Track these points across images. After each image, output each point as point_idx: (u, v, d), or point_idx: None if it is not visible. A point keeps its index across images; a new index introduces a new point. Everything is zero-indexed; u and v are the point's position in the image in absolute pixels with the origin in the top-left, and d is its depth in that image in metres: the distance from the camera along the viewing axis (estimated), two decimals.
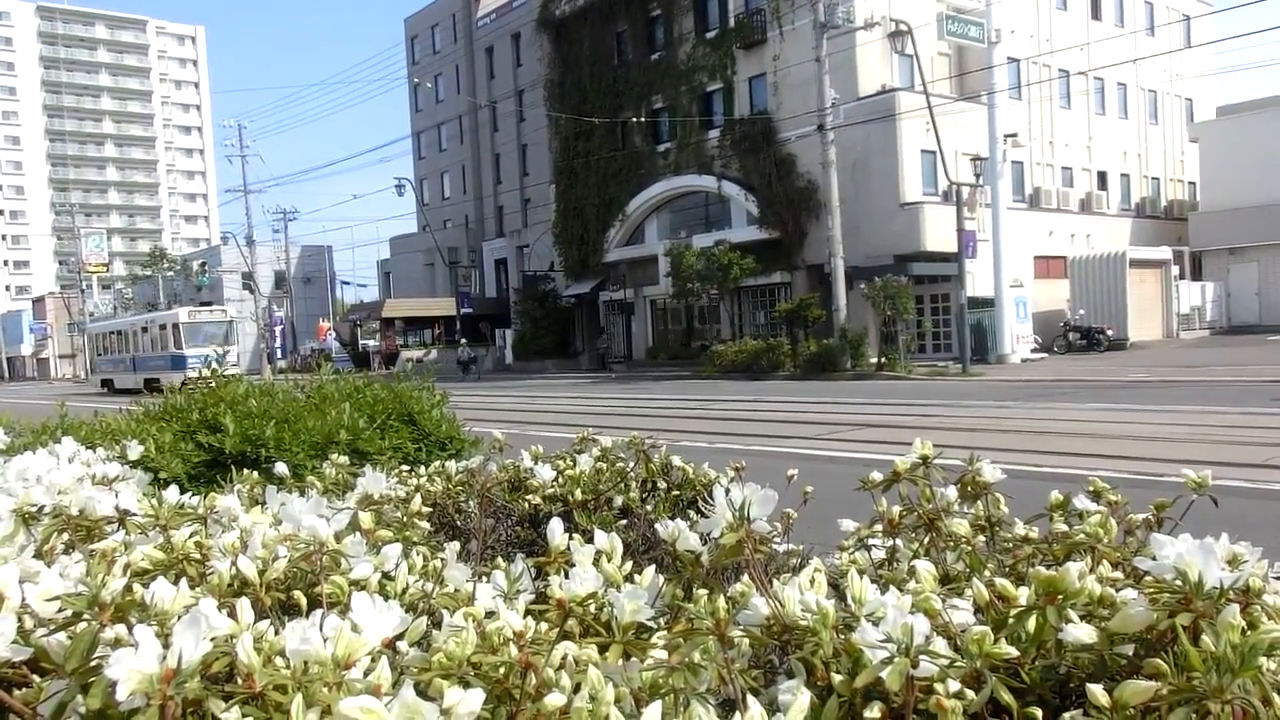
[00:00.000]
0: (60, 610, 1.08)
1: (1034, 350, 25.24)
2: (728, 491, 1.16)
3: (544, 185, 41.06)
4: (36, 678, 1.00)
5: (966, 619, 1.08)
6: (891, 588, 1.14)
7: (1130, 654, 1.01)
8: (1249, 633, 0.91)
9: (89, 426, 3.84)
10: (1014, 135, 24.48)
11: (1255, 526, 4.22)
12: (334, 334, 52.59)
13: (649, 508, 2.26)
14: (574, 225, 37.65)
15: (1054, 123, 33.15)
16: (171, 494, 1.57)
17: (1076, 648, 1.01)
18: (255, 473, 2.19)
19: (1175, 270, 31.29)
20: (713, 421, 13.56)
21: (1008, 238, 23.85)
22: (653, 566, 1.20)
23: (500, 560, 1.50)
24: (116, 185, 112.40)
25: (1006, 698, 0.93)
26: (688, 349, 32.58)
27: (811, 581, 1.16)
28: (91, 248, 61.95)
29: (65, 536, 1.48)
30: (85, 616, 1.05)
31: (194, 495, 1.70)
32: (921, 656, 0.91)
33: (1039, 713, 0.95)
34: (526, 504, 2.31)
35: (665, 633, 1.08)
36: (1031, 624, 1.02)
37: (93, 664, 0.93)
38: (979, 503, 1.59)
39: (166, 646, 0.86)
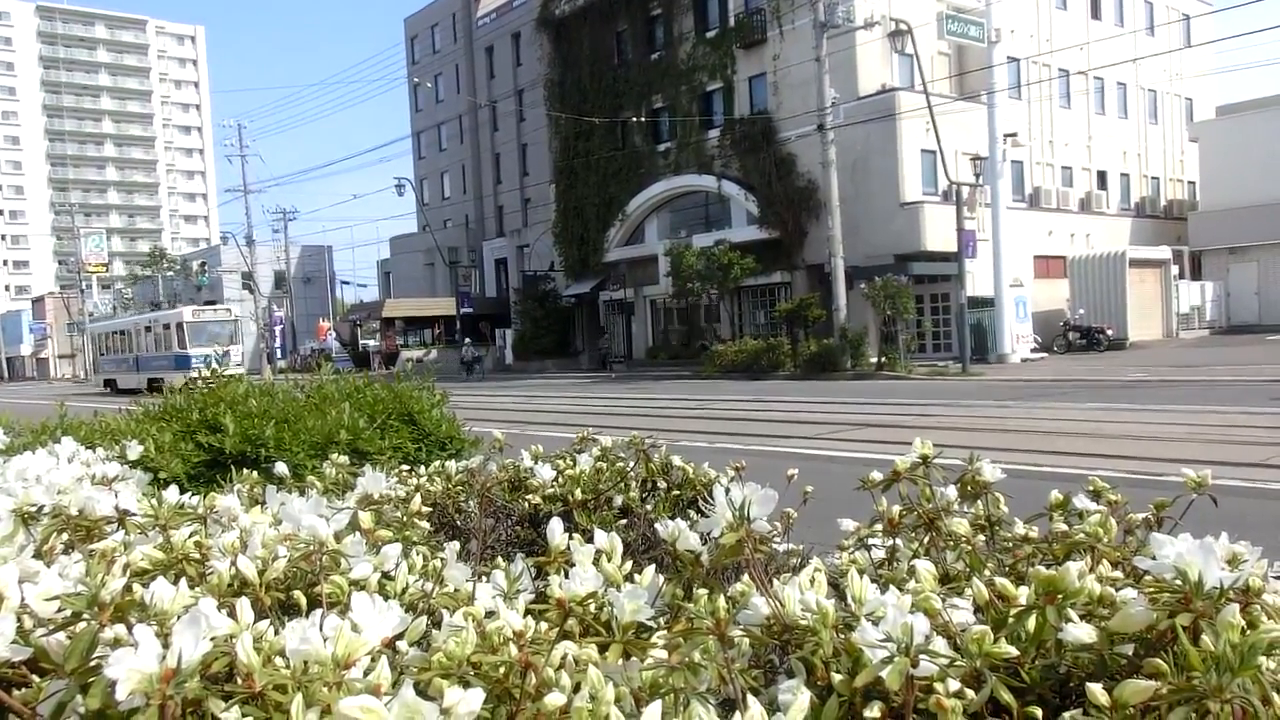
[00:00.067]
0: (60, 610, 1.08)
1: (1034, 350, 25.25)
2: (728, 491, 1.16)
3: (544, 185, 41.06)
4: (36, 677, 1.00)
5: (966, 618, 1.08)
6: (891, 587, 1.14)
7: (1130, 653, 1.01)
8: (1249, 632, 0.91)
9: (88, 426, 3.84)
10: (1014, 135, 24.48)
11: (1255, 526, 4.22)
12: (334, 334, 52.59)
13: (649, 507, 2.26)
14: (574, 225, 37.64)
15: (1054, 122, 33.15)
16: (171, 494, 1.57)
17: (1076, 647, 1.01)
18: (255, 473, 2.19)
19: (1175, 270, 31.29)
20: (713, 421, 13.56)
21: (1007, 237, 23.85)
22: (653, 566, 1.20)
23: (500, 560, 1.50)
24: (116, 185, 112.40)
25: (1006, 697, 0.93)
26: (688, 349, 32.58)
27: (811, 581, 1.16)
28: (91, 248, 61.93)
29: (65, 536, 1.48)
30: (85, 616, 1.05)
31: (194, 495, 1.70)
32: (921, 656, 0.91)
33: (1039, 712, 0.95)
34: (526, 504, 2.31)
35: (665, 632, 1.08)
36: (1031, 623, 1.02)
37: (92, 664, 0.93)
38: (979, 502, 1.59)
39: (166, 646, 0.86)
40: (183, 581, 1.14)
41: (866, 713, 0.92)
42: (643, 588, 1.09)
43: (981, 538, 1.49)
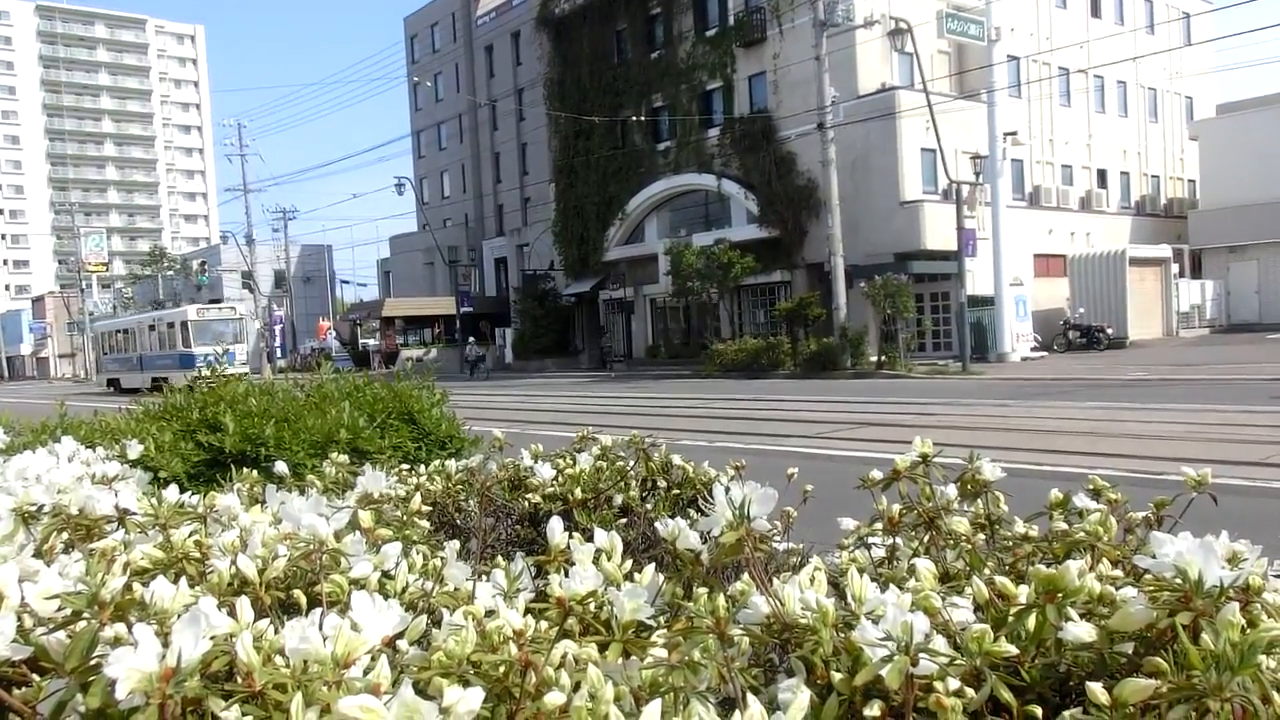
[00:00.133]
0: (60, 609, 1.08)
1: (1034, 349, 25.25)
2: (727, 490, 1.16)
3: (544, 184, 41.05)
4: (36, 676, 1.00)
5: (966, 617, 1.08)
6: (891, 586, 1.14)
7: (1130, 652, 1.01)
8: (1249, 631, 0.91)
9: (88, 426, 3.84)
10: (1014, 133, 24.48)
11: (1255, 524, 4.21)
12: (334, 333, 52.58)
13: (649, 506, 2.26)
14: (574, 224, 37.64)
15: (1054, 121, 33.14)
16: (171, 493, 1.57)
17: (1076, 646, 1.01)
18: (255, 472, 2.19)
19: (1175, 268, 31.28)
20: (713, 420, 13.56)
21: (1007, 236, 23.85)
22: (652, 565, 1.20)
23: (500, 559, 1.50)
24: (116, 184, 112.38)
25: (1006, 696, 0.93)
26: (688, 348, 32.58)
27: (811, 580, 1.16)
28: (91, 247, 61.89)
29: (65, 535, 1.48)
30: (85, 615, 1.05)
31: (194, 494, 1.70)
32: (921, 654, 0.91)
33: (1039, 711, 0.95)
34: (526, 502, 2.31)
35: (665, 631, 1.08)
36: (1031, 622, 1.02)
37: (92, 663, 0.93)
38: (979, 501, 1.59)
39: (166, 645, 0.86)
40: (183, 580, 1.14)
41: (866, 711, 0.92)
42: (642, 586, 1.09)
43: (981, 536, 1.49)
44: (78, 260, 62.01)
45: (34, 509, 1.54)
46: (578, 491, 2.22)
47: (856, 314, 24.19)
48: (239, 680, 0.90)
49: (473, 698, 0.84)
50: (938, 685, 0.92)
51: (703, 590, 1.16)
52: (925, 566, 1.20)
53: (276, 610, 1.19)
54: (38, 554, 1.36)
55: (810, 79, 24.62)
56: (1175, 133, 38.24)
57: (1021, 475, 6.19)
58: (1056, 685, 1.02)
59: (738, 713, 0.87)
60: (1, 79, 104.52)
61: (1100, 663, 1.00)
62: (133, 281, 77.45)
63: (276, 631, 0.97)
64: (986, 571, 1.28)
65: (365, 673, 0.89)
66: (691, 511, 2.14)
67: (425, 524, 1.75)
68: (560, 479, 2.33)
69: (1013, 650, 0.97)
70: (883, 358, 22.92)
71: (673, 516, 1.37)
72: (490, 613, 1.06)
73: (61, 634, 1.01)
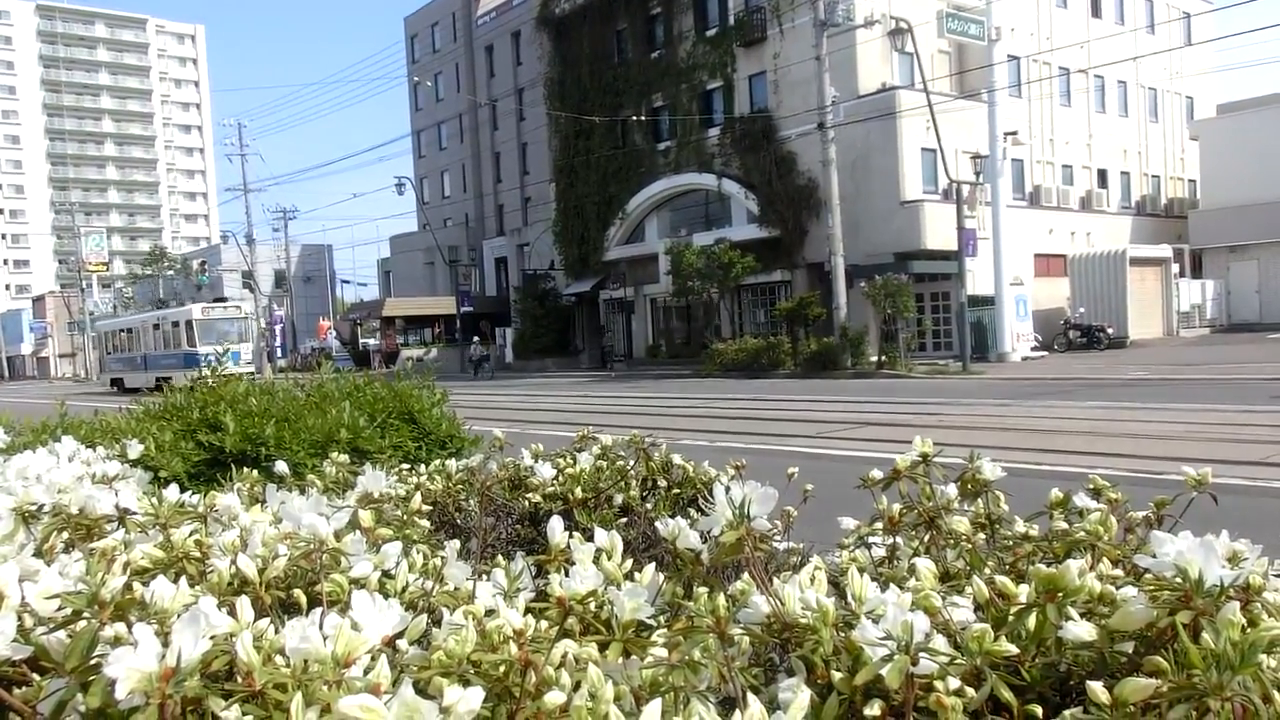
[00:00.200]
0: (60, 608, 1.08)
1: (1034, 348, 25.24)
2: (728, 489, 1.16)
3: (544, 184, 41.05)
4: (36, 676, 1.00)
5: (967, 616, 1.08)
6: (892, 585, 1.14)
7: (1130, 651, 1.01)
8: (1249, 630, 0.91)
9: (89, 425, 3.84)
10: (1014, 133, 24.47)
11: (1255, 524, 4.21)
12: (334, 333, 52.59)
13: (649, 506, 2.26)
14: (574, 224, 37.64)
15: (1054, 120, 33.14)
16: (171, 492, 1.57)
17: (1076, 645, 1.01)
18: (255, 471, 2.19)
19: (1175, 268, 31.28)
20: (713, 420, 13.56)
21: (1008, 236, 23.84)
22: (653, 564, 1.20)
23: (500, 558, 1.50)
24: (116, 184, 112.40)
25: (1006, 695, 0.93)
26: (688, 347, 32.58)
27: (812, 579, 1.16)
28: (91, 247, 61.90)
29: (65, 535, 1.48)
30: (85, 615, 1.05)
31: (194, 494, 1.70)
32: (921, 654, 0.91)
33: (1039, 710, 0.95)
34: (527, 502, 2.31)
35: (665, 631, 1.08)
36: (1032, 621, 1.02)
37: (92, 662, 0.93)
38: (979, 500, 1.59)
39: (166, 645, 0.86)
40: (183, 580, 1.14)
41: (867, 711, 0.92)
42: (643, 586, 1.09)
43: (982, 536, 1.49)
44: (78, 260, 62.01)
45: (34, 508, 1.54)
46: (578, 491, 2.22)
47: (857, 314, 24.19)
48: (239, 680, 0.90)
49: (473, 697, 0.84)
50: (938, 684, 0.92)
51: (703, 590, 1.16)
52: (925, 566, 1.20)
53: (277, 610, 1.19)
54: (38, 553, 1.36)
55: (810, 79, 24.61)
56: (1176, 132, 38.24)
57: (1022, 475, 6.19)
58: (1057, 684, 1.02)
59: (738, 712, 0.87)
60: (2, 79, 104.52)
61: (1101, 662, 1.00)
62: (133, 281, 77.44)
63: (277, 631, 0.97)
64: (987, 571, 1.28)
65: (365, 672, 0.89)
66: (692, 511, 2.14)
67: (425, 523, 1.75)
68: (560, 478, 2.33)
69: (1013, 650, 0.97)
70: (883, 357, 22.92)
71: (673, 516, 1.37)
72: (490, 612, 1.06)
73: (62, 634, 1.01)
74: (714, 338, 29.11)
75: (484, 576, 1.31)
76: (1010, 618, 1.04)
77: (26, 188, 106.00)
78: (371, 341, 45.71)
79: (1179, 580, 0.99)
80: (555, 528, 1.26)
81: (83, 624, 1.02)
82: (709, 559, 1.24)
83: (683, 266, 28.34)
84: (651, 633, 1.07)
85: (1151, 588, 1.03)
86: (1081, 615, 1.04)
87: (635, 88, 35.12)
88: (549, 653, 0.96)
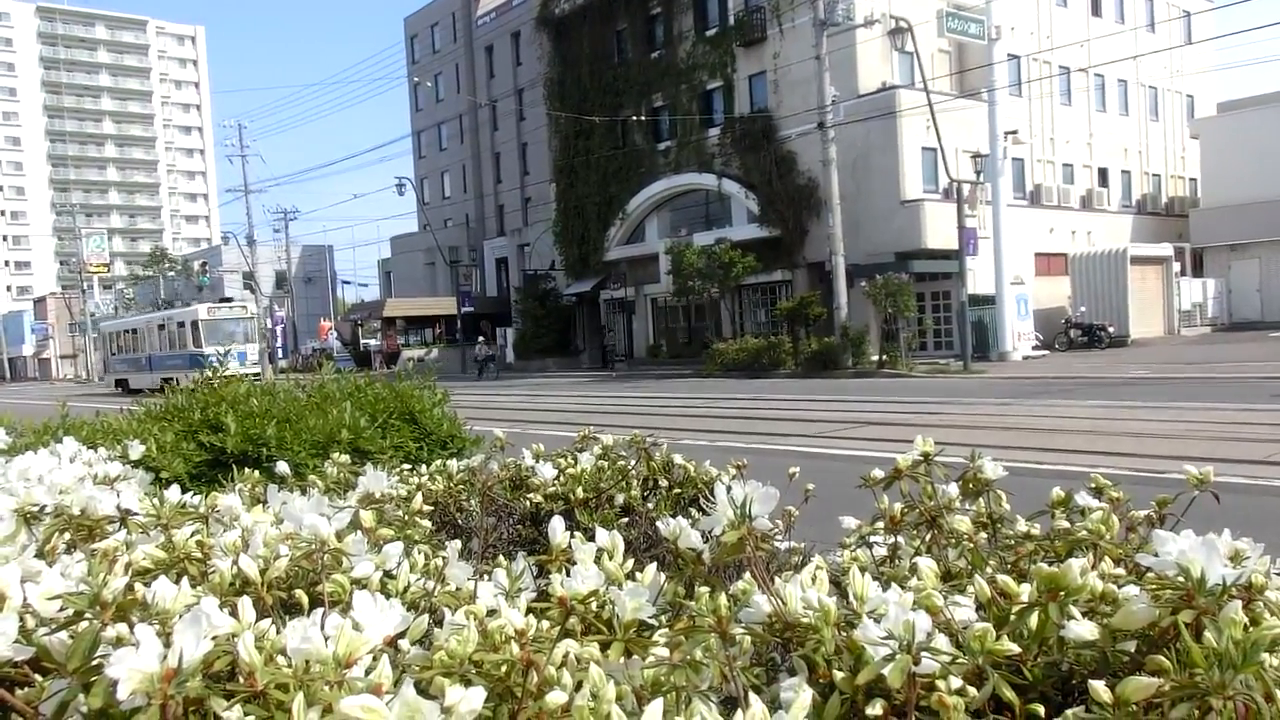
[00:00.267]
0: (62, 609, 1.08)
1: (1035, 347, 25.23)
2: (729, 489, 1.16)
3: (544, 184, 41.06)
4: (38, 677, 1.00)
5: (968, 616, 1.08)
6: (893, 585, 1.14)
7: (1132, 650, 1.01)
8: (1251, 629, 0.91)
9: (90, 426, 3.84)
10: (1014, 132, 24.46)
11: (1257, 523, 4.21)
12: (335, 333, 52.61)
13: (650, 506, 2.26)
14: (574, 224, 37.64)
15: (1054, 119, 33.12)
16: (173, 493, 1.57)
17: (1078, 644, 1.01)
18: (257, 472, 2.19)
19: (1176, 267, 31.26)
20: (714, 420, 13.56)
21: (1008, 235, 23.83)
22: (654, 564, 1.20)
23: (502, 558, 1.50)
24: (117, 185, 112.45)
25: (1008, 694, 0.93)
26: (689, 347, 32.58)
27: (813, 579, 1.16)
28: (92, 248, 61.94)
29: (67, 536, 1.48)
30: (87, 616, 1.05)
31: (195, 495, 1.70)
32: (923, 653, 0.91)
33: (1041, 709, 0.95)
34: (528, 502, 2.31)
35: (667, 630, 1.08)
36: (1034, 621, 1.02)
37: (94, 663, 0.93)
38: (981, 500, 1.59)
39: (168, 645, 0.86)
40: (184, 581, 1.14)
41: (869, 710, 0.92)
42: (644, 586, 1.09)
43: (983, 535, 1.49)
44: (79, 261, 62.04)
45: (36, 509, 1.54)
46: (579, 491, 2.22)
47: (857, 313, 24.18)
48: (241, 680, 0.90)
49: (474, 697, 0.84)
50: (940, 684, 0.92)
51: (704, 589, 1.16)
52: (927, 565, 1.20)
53: (278, 610, 1.19)
54: (40, 554, 1.36)
55: (810, 78, 24.61)
56: (1176, 131, 38.22)
57: (1023, 474, 6.19)
58: (1059, 684, 1.02)
59: (740, 712, 0.87)
60: (2, 80, 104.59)
61: (1103, 661, 1.00)
62: (134, 282, 77.48)
63: (278, 631, 0.97)
64: (988, 570, 1.28)
65: (367, 672, 0.89)
66: (693, 511, 2.14)
67: (427, 524, 1.75)
68: (562, 478, 2.33)
69: (1015, 649, 0.97)
70: (884, 357, 22.91)
71: (674, 516, 1.36)
72: (492, 612, 1.06)
73: (64, 634, 1.01)
74: (715, 337, 29.11)
75: (485, 576, 1.31)
76: (1012, 617, 1.04)
77: (27, 189, 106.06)
78: (372, 342, 45.72)
79: (1181, 579, 0.99)
80: (556, 528, 1.26)
81: (85, 625, 1.03)
82: (710, 559, 1.24)
83: (683, 266, 28.34)
84: (653, 632, 1.07)
85: (1154, 587, 1.03)
86: (1084, 614, 1.04)
87: (635, 88, 35.12)
88: (551, 652, 0.96)
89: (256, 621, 0.99)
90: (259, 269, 50.37)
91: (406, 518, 1.70)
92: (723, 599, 1.06)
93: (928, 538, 1.47)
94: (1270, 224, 30.89)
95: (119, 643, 0.96)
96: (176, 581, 1.13)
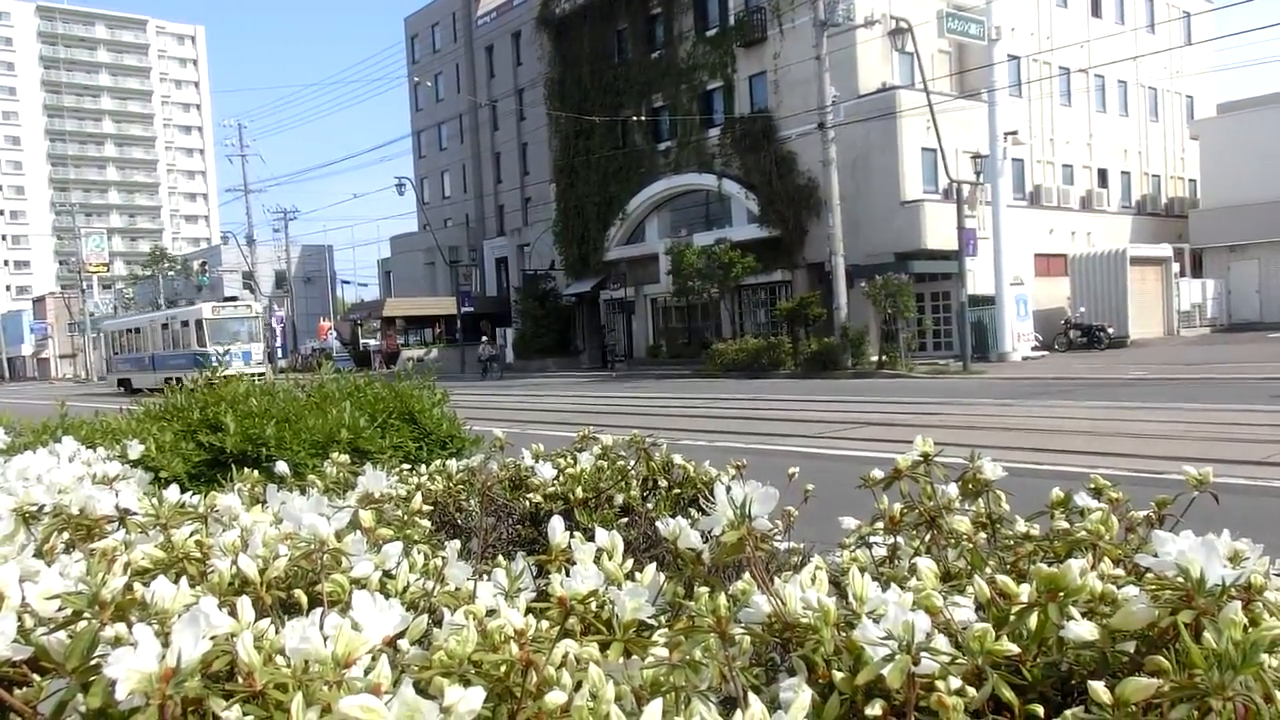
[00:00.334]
0: (60, 609, 1.08)
1: (1035, 348, 25.24)
2: (729, 489, 1.16)
3: (544, 184, 41.06)
4: (37, 676, 1.00)
5: (968, 616, 1.07)
6: (893, 585, 1.14)
7: (1132, 651, 1.01)
8: (1251, 629, 0.91)
9: (89, 426, 3.84)
10: (1014, 133, 24.47)
11: (1257, 523, 4.21)
12: (335, 333, 52.60)
13: (650, 506, 2.26)
14: (574, 224, 37.65)
15: (1054, 120, 33.13)
16: (172, 493, 1.57)
17: (1078, 645, 1.01)
18: (256, 472, 2.19)
19: (1176, 268, 31.27)
20: (714, 420, 13.56)
21: (1008, 235, 23.84)
22: (654, 564, 1.20)
23: (501, 558, 1.50)
24: (117, 185, 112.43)
25: (1008, 695, 0.93)
26: (689, 347, 32.58)
27: (813, 579, 1.15)
28: (92, 247, 61.93)
29: (65, 535, 1.48)
30: (85, 615, 1.05)
31: (194, 494, 1.70)
32: (923, 654, 0.91)
33: (1040, 710, 0.95)
34: (527, 502, 2.31)
35: (666, 630, 1.08)
36: (1033, 621, 1.02)
37: (93, 663, 0.93)
38: (980, 500, 1.59)
39: (166, 645, 0.86)
40: (183, 580, 1.14)
41: (868, 710, 0.92)
42: (644, 586, 1.09)
43: (983, 535, 1.49)
44: (79, 261, 62.03)
45: (35, 509, 1.54)
46: (579, 491, 2.22)
47: (857, 314, 24.19)
48: (240, 680, 0.90)
49: (474, 697, 0.84)
50: (939, 684, 0.92)
51: (704, 589, 1.16)
52: (927, 565, 1.20)
53: (277, 610, 1.19)
54: (38, 554, 1.36)
55: (811, 79, 24.61)
56: (1176, 132, 38.23)
57: (1023, 474, 6.19)
58: (1058, 684, 1.02)
59: (739, 712, 0.87)
60: (2, 79, 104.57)
61: (1102, 661, 1.00)
62: (133, 282, 77.46)
63: (277, 631, 0.97)
64: (988, 570, 1.27)
65: (366, 672, 0.89)
66: (693, 511, 2.14)
67: (426, 524, 1.75)
68: (561, 478, 2.33)
69: (1014, 649, 0.97)
70: (883, 357, 22.91)
71: (674, 516, 1.36)
72: (491, 612, 1.06)
73: (62, 634, 1.01)
74: (714, 338, 29.11)
75: (485, 576, 1.31)
76: (1011, 617, 1.04)
77: (27, 189, 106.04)
78: (372, 342, 45.72)
79: (1181, 580, 0.99)
80: (556, 528, 1.26)
81: (83, 624, 1.02)
82: (710, 559, 1.24)
83: (683, 266, 28.35)
84: (652, 632, 1.07)
85: (1153, 587, 1.03)
86: (1083, 615, 1.04)
87: (635, 88, 35.12)
88: (550, 653, 0.96)
89: (255, 621, 0.99)
90: (259, 269, 50.39)
91: (406, 518, 1.70)
92: (722, 599, 1.06)
93: (927, 538, 1.47)
94: (1270, 225, 30.90)
95: (117, 642, 0.96)
96: (175, 581, 1.13)
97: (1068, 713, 0.93)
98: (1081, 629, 1.00)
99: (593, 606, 1.05)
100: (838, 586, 1.22)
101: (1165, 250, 30.83)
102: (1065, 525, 1.47)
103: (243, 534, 1.38)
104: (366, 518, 1.46)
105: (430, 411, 4.22)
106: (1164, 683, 0.88)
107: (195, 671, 0.86)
